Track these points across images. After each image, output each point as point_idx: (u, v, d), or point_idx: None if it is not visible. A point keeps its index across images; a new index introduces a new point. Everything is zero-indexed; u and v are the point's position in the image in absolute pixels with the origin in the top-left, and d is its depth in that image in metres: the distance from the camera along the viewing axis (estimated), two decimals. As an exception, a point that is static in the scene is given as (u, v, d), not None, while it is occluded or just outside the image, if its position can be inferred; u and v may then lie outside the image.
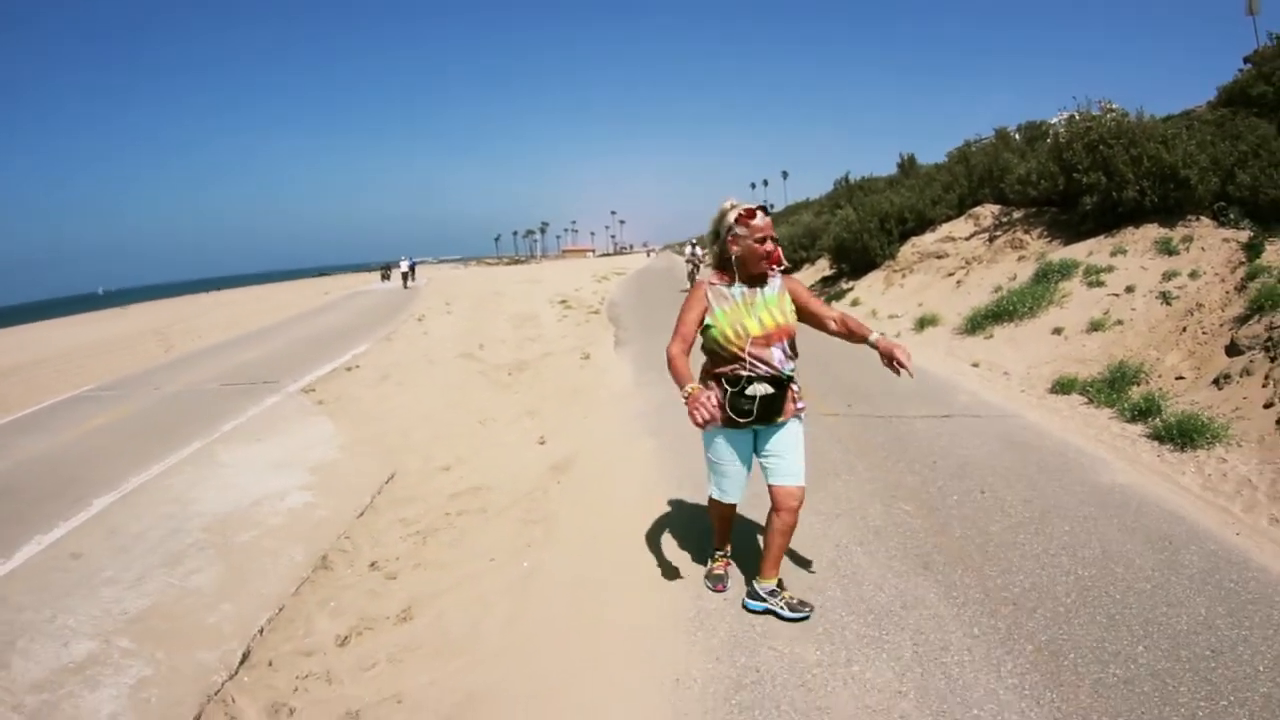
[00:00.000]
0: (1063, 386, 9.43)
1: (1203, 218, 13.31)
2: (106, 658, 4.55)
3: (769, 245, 4.11)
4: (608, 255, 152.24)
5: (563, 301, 26.32)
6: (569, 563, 5.38)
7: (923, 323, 14.79)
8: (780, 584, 4.49)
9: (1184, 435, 7.08)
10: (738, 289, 4.18)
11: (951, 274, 17.36)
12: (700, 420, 3.83)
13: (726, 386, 4.12)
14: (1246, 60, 26.04)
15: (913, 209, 22.08)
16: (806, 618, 4.33)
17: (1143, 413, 7.90)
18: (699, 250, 29.32)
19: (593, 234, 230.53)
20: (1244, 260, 10.53)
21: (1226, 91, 25.21)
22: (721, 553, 4.83)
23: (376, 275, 62.32)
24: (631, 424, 8.87)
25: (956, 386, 9.94)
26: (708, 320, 4.16)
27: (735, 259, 4.15)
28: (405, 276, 47.09)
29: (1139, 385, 8.87)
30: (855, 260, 22.12)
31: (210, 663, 4.40)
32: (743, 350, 4.07)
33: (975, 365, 11.42)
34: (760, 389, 4.09)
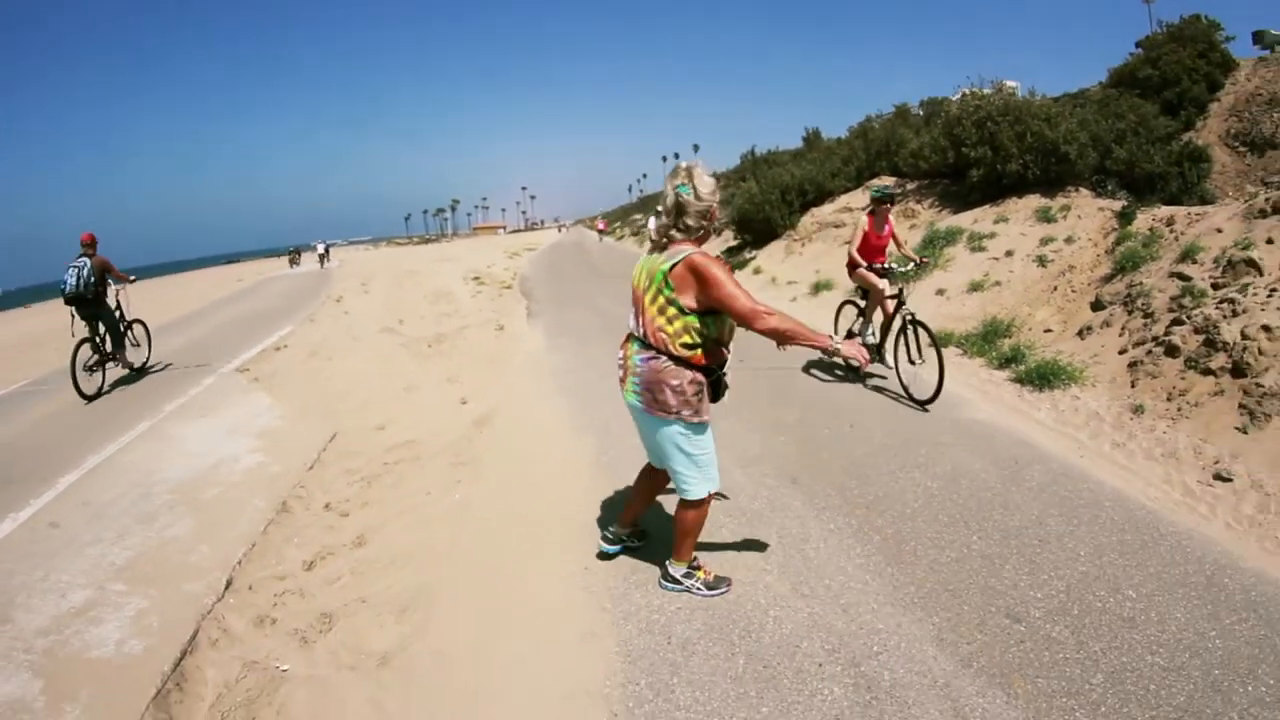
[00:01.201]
0: (940, 340, 10.39)
1: (1082, 189, 14.50)
2: (104, 600, 5.11)
3: None
4: (519, 231, 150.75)
5: (476, 278, 26.74)
6: (494, 493, 6.24)
7: (818, 287, 15.81)
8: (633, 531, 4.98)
9: (1043, 378, 8.06)
10: None
11: (848, 242, 18.25)
12: (865, 358, 3.94)
13: (718, 370, 4.00)
14: (1138, 45, 27.65)
15: (813, 181, 23.10)
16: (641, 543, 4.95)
17: (1009, 360, 8.87)
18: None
19: (504, 210, 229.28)
20: (1116, 227, 11.56)
21: (1116, 74, 26.83)
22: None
23: (285, 260, 60.62)
24: (544, 383, 9.73)
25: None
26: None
27: (714, 226, 4.05)
28: (321, 258, 51.73)
29: (1009, 338, 9.77)
30: (758, 231, 23.00)
31: (199, 591, 5.05)
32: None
33: (862, 323, 12.40)
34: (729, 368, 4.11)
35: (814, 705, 3.40)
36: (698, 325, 3.84)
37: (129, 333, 12.75)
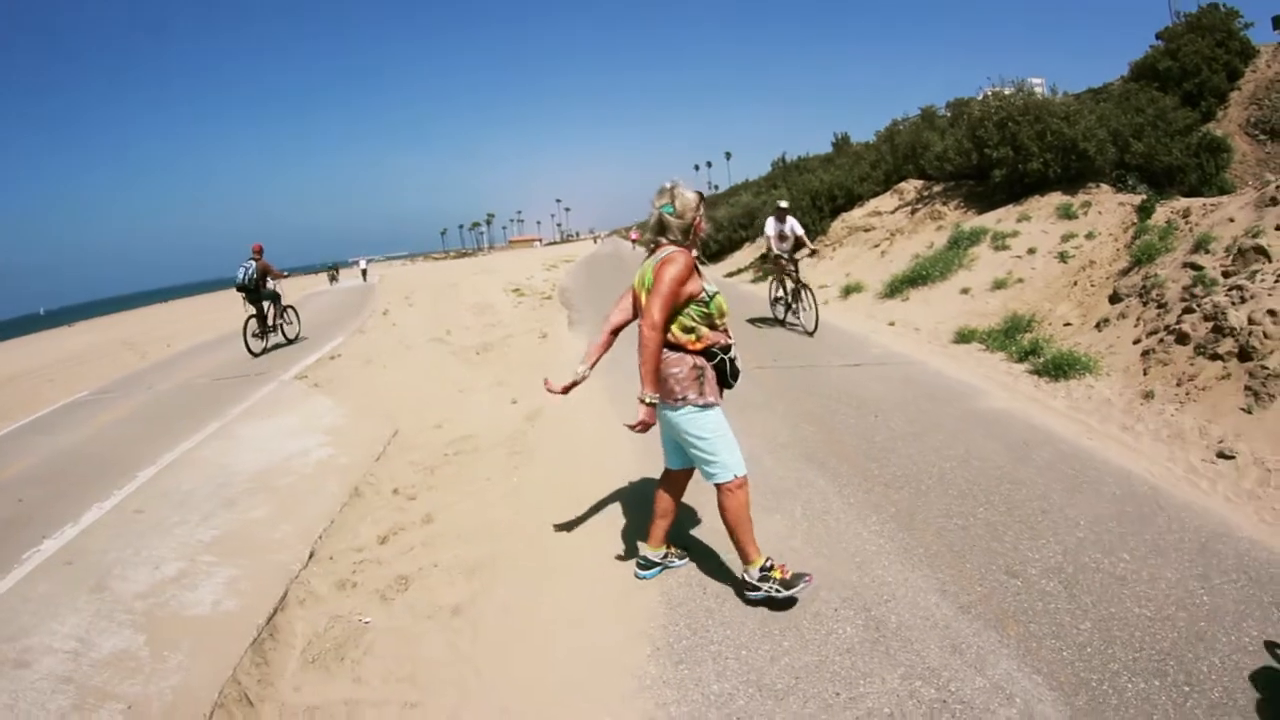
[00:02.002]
0: (964, 337, 10.80)
1: (1103, 184, 14.75)
2: (197, 570, 5.72)
3: None
4: (555, 244, 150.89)
5: (516, 290, 27.30)
6: (547, 477, 6.86)
7: (848, 290, 16.20)
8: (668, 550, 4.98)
9: (1059, 369, 8.44)
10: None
11: (877, 245, 18.75)
12: (641, 430, 4.21)
13: (720, 354, 4.23)
14: (1158, 36, 27.75)
15: (842, 186, 23.55)
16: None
17: (1028, 354, 9.22)
18: (795, 227, 13.91)
19: (539, 223, 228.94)
20: (1136, 221, 11.75)
21: (1137, 67, 26.81)
22: (770, 558, 4.46)
23: (324, 276, 61.50)
24: (587, 384, 10.15)
25: (870, 341, 11.33)
26: (709, 288, 4.21)
27: (700, 238, 4.37)
28: (364, 273, 55.94)
29: (1030, 332, 10.13)
30: (789, 237, 23.43)
31: (285, 561, 5.66)
32: (728, 317, 4.34)
33: (891, 324, 12.78)
34: (736, 353, 4.32)
35: (829, 641, 3.92)
36: (687, 312, 4.18)
37: (285, 314, 18.40)
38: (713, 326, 4.23)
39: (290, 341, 18.10)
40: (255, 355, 16.30)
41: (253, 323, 16.89)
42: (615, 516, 5.83)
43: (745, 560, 4.38)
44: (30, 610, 5.39)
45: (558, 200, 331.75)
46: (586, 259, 51.41)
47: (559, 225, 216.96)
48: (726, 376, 4.30)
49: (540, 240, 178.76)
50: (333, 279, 56.84)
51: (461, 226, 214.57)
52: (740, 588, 4.51)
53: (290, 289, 20.10)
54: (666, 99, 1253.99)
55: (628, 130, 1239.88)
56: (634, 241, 66.65)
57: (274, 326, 17.67)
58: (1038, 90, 29.42)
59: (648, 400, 4.11)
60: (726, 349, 4.24)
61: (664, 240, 4.31)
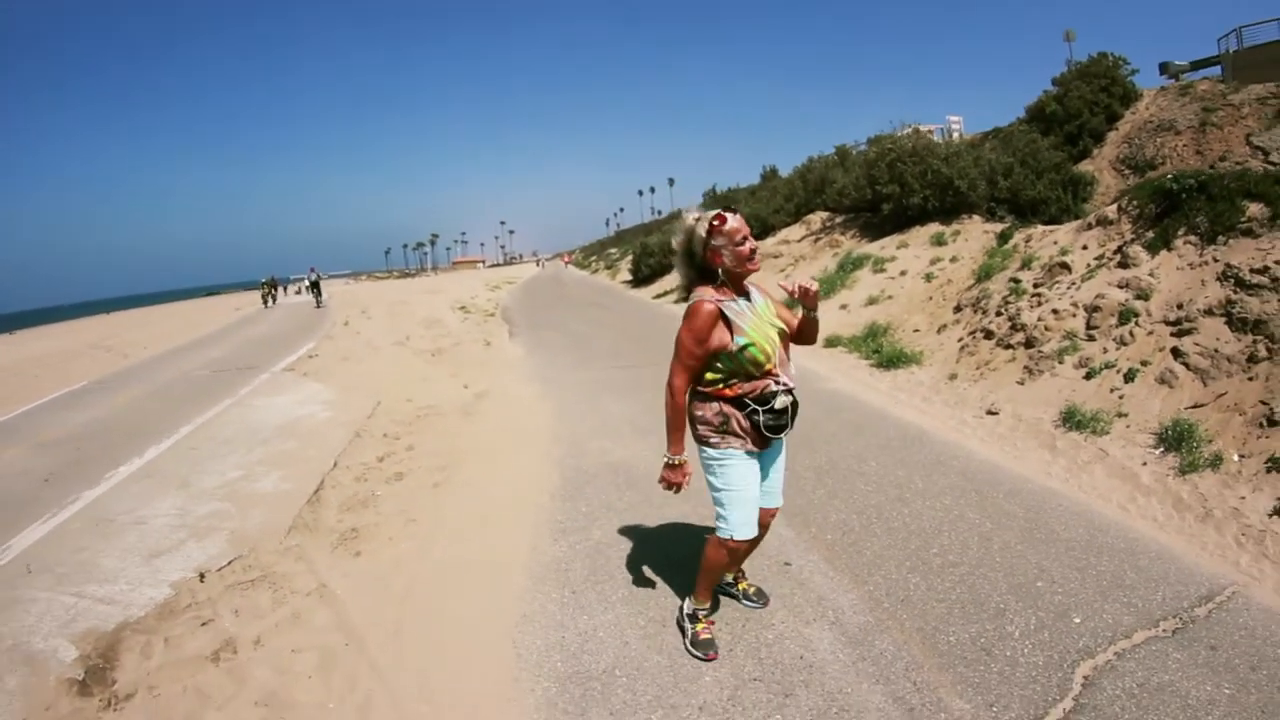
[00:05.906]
0: (831, 342, 12.88)
1: (975, 216, 16.84)
2: (254, 473, 8.31)
3: (750, 244, 3.71)
4: (498, 266, 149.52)
5: (462, 308, 29.94)
6: (494, 426, 9.66)
7: (751, 310, 18.76)
8: (736, 575, 4.70)
9: (891, 362, 10.65)
10: (741, 302, 3.73)
11: (782, 269, 21.04)
12: (674, 490, 3.91)
13: (756, 405, 3.72)
14: (1053, 82, 30.20)
15: (758, 217, 25.85)
16: (761, 606, 4.57)
17: (875, 352, 11.39)
18: None
19: (482, 244, 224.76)
20: (996, 246, 13.40)
21: (1030, 110, 29.23)
22: (708, 611, 4.28)
23: (258, 295, 51.31)
24: (523, 376, 13.12)
25: (748, 347, 13.92)
26: (739, 340, 3.62)
27: (725, 272, 3.71)
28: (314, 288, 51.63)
29: (884, 337, 12.20)
30: (708, 263, 25.87)
31: (318, 467, 8.26)
32: (773, 364, 3.73)
33: (775, 334, 15.31)
34: (785, 400, 3.78)
35: (653, 490, 6.39)
36: (712, 362, 3.76)
37: (321, 294, 44.68)
38: (749, 376, 3.75)
39: (321, 307, 39.18)
40: (317, 308, 38.25)
41: (312, 300, 41.13)
42: (537, 443, 8.58)
43: (693, 592, 4.26)
44: (131, 498, 7.81)
45: (502, 222, 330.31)
46: (528, 281, 54.45)
47: (503, 247, 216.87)
48: (763, 430, 3.80)
49: (484, 262, 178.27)
50: (269, 298, 48.60)
51: (406, 246, 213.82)
52: (680, 609, 4.44)
53: (241, 304, 23.04)
54: (612, 126, 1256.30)
55: (573, 155, 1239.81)
56: (566, 263, 73.42)
57: (319, 300, 42.37)
58: (955, 128, 32.15)
59: (665, 459, 3.92)
60: (764, 400, 3.76)
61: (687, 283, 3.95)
